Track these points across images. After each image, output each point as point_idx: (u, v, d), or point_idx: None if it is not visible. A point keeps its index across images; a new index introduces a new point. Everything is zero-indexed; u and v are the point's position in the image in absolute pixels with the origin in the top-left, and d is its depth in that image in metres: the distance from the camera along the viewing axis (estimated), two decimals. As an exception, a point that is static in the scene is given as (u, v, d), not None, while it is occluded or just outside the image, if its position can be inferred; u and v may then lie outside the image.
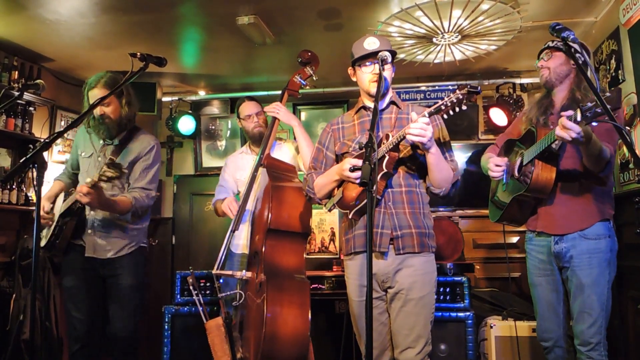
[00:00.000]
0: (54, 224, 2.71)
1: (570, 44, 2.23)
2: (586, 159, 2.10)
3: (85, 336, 2.64)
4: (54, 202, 2.81)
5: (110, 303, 2.68)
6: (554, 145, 2.08)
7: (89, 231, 2.69)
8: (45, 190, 4.35)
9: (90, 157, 2.78)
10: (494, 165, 2.39)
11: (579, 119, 1.84)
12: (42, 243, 2.72)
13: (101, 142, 2.77)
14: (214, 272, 2.72)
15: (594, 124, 1.86)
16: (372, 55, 2.16)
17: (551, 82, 2.32)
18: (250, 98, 3.16)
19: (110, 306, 2.68)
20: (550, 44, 2.28)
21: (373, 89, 2.15)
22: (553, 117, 2.30)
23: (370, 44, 2.17)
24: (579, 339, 2.19)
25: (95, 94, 2.59)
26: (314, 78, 2.99)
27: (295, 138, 2.92)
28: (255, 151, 3.09)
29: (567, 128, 1.88)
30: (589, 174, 2.15)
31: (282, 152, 3.04)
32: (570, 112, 1.87)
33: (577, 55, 2.26)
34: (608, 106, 1.72)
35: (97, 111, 2.64)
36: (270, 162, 2.71)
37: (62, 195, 2.82)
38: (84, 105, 2.66)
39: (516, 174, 2.31)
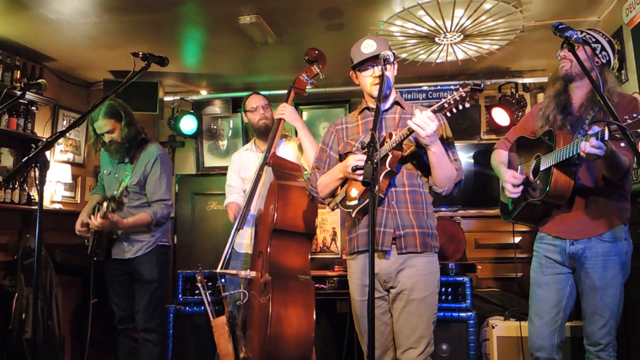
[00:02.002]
0: (92, 233, 3.06)
1: (595, 44, 2.18)
2: (605, 170, 2.06)
3: (121, 321, 3.12)
4: (92, 215, 3.10)
5: (135, 297, 3.07)
6: (575, 156, 2.01)
7: (114, 237, 3.06)
8: (48, 189, 4.39)
9: (110, 175, 3.16)
10: (511, 185, 2.30)
11: (606, 137, 1.77)
12: (88, 250, 3.10)
13: (116, 160, 3.14)
14: (217, 271, 2.72)
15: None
16: (370, 60, 2.15)
17: (571, 75, 2.22)
18: (257, 93, 3.18)
19: (135, 300, 3.06)
20: (579, 35, 2.01)
21: (375, 92, 2.15)
22: (572, 117, 2.24)
23: (367, 47, 2.15)
24: (589, 340, 2.17)
25: (100, 125, 3.00)
26: (321, 76, 2.97)
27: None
28: (260, 148, 3.09)
29: (594, 147, 1.82)
30: (607, 181, 2.11)
31: (287, 150, 3.03)
32: (597, 129, 1.81)
33: (603, 53, 2.21)
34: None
35: (106, 138, 3.03)
36: (276, 161, 2.70)
37: (97, 207, 3.12)
38: (91, 136, 3.08)
39: (531, 177, 2.26)
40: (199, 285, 2.81)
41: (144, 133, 3.22)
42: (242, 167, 3.13)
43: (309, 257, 2.51)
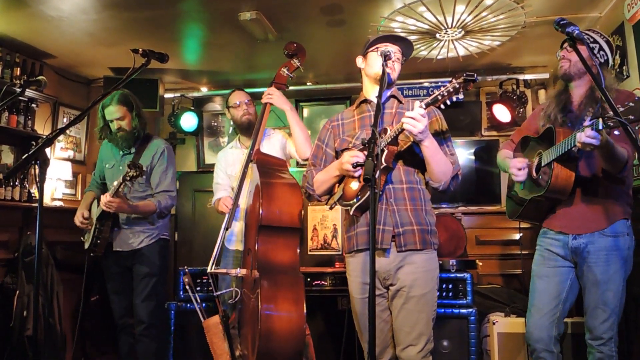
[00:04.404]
0: (93, 227, 3.06)
1: (592, 44, 2.21)
2: (604, 161, 2.08)
3: (121, 316, 3.10)
4: (90, 210, 3.15)
5: (133, 290, 3.04)
6: (573, 149, 2.04)
7: (116, 229, 3.05)
8: (48, 187, 4.39)
9: (113, 168, 3.13)
10: (516, 169, 2.34)
11: (600, 127, 1.81)
12: (86, 246, 3.11)
13: (121, 153, 3.12)
14: (208, 270, 2.71)
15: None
16: (392, 39, 2.16)
17: (570, 75, 2.26)
18: (240, 89, 3.17)
19: (133, 293, 3.04)
20: (578, 32, 2.00)
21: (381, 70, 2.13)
22: (572, 115, 2.27)
23: (394, 33, 2.18)
24: (591, 334, 2.20)
25: (111, 111, 2.99)
26: (301, 70, 2.95)
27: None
28: (245, 145, 3.09)
29: (589, 137, 1.85)
30: (607, 174, 2.13)
31: (272, 142, 3.03)
32: (592, 122, 1.84)
33: (601, 53, 2.25)
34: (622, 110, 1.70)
35: (114, 125, 3.01)
36: (260, 157, 2.68)
37: (96, 202, 3.14)
38: (98, 123, 3.06)
39: (534, 173, 2.29)
40: (187, 287, 2.81)
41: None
42: (228, 164, 3.14)
43: (298, 251, 2.48)
